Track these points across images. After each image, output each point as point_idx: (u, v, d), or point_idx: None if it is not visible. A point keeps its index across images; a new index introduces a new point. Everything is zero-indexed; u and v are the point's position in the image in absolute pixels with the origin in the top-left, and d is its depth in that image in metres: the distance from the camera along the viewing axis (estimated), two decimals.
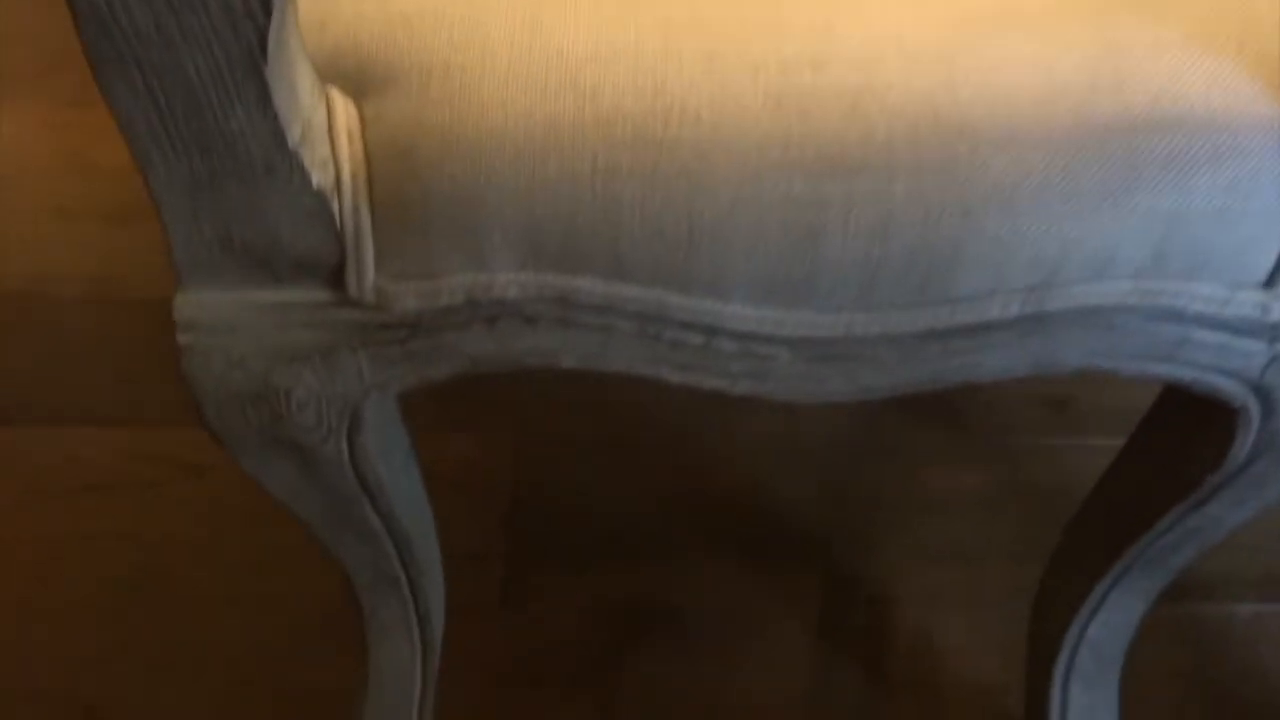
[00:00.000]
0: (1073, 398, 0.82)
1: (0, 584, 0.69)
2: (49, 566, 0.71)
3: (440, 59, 0.31)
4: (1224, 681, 0.68)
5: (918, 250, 0.31)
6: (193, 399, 0.37)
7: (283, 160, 0.30)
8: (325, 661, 0.65)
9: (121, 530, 0.72)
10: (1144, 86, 0.32)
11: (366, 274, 0.33)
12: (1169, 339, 0.35)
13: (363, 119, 0.32)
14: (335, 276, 0.34)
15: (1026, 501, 0.76)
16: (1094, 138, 0.31)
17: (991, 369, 0.35)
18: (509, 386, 0.84)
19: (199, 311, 0.34)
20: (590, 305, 0.33)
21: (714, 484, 0.77)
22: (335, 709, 0.63)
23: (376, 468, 0.40)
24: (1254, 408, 0.37)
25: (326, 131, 0.32)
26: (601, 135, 0.31)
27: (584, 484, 0.76)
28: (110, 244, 0.87)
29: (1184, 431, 0.41)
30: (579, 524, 0.74)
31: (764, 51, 0.31)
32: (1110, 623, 0.51)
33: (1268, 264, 0.34)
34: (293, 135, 0.31)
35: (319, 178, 0.31)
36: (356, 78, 0.32)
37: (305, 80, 0.31)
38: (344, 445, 0.38)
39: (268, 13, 0.28)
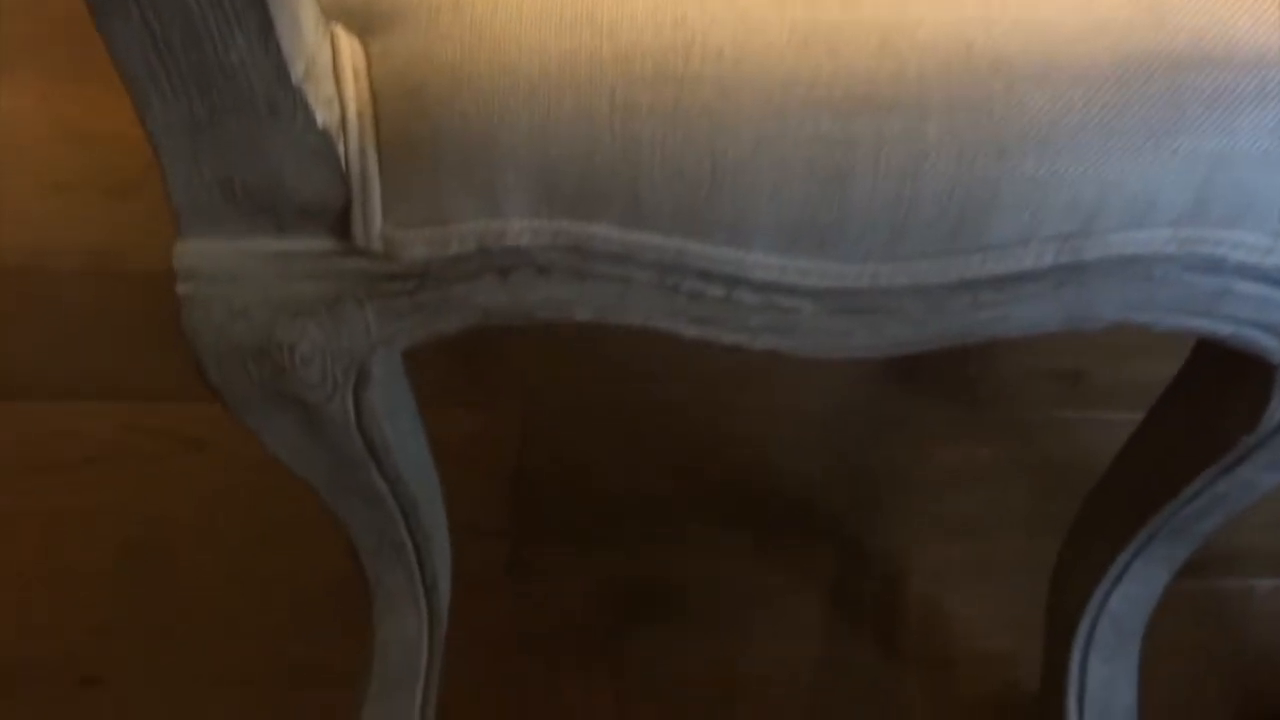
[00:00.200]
0: (1085, 371, 0.81)
1: (0, 556, 0.69)
2: (49, 539, 0.70)
3: None
4: (1243, 656, 0.67)
5: (950, 193, 0.30)
6: (192, 353, 0.35)
7: (286, 97, 0.29)
8: (326, 636, 0.65)
9: (121, 504, 0.72)
10: (1187, 22, 0.30)
11: (373, 220, 0.32)
12: (1208, 291, 0.34)
13: (368, 57, 0.31)
14: (341, 224, 0.32)
15: (1039, 475, 0.75)
16: (1135, 74, 0.30)
17: (1022, 323, 0.34)
18: (516, 360, 0.84)
19: (199, 260, 0.33)
20: (607, 254, 0.32)
21: (723, 458, 0.76)
22: (335, 683, 0.63)
23: (383, 428, 0.39)
24: None
25: (331, 70, 0.30)
26: (620, 71, 0.29)
27: (591, 458, 0.75)
28: (109, 217, 0.86)
29: (1217, 390, 0.39)
30: (586, 498, 0.73)
31: None
32: (1132, 594, 0.50)
33: None
34: (296, 71, 0.29)
35: (324, 116, 0.30)
36: (362, 14, 0.31)
37: (309, 13, 0.30)
38: (349, 404, 0.37)
39: None
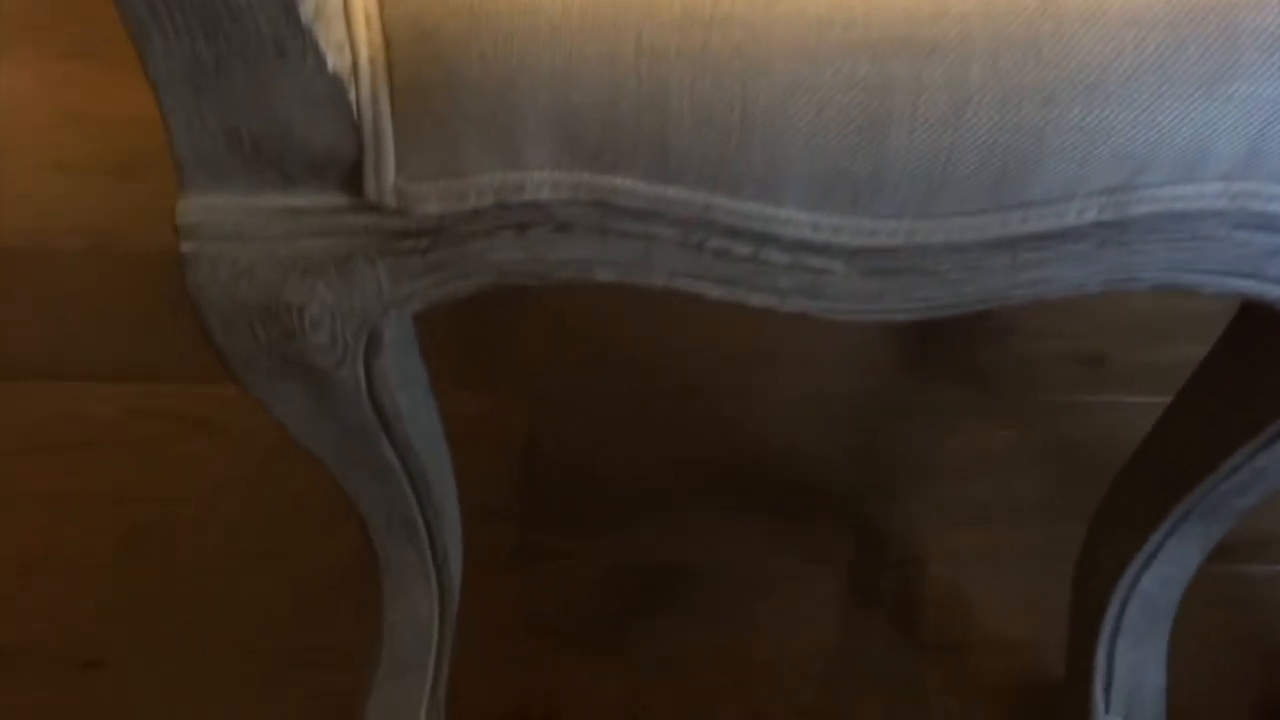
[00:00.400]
0: (1106, 354, 0.80)
1: (1, 539, 0.68)
2: (50, 522, 0.69)
3: None
4: (1267, 640, 0.66)
5: (993, 142, 0.28)
6: (197, 317, 0.34)
7: (294, 39, 0.28)
8: (330, 620, 0.64)
9: (123, 486, 0.71)
10: None
11: (386, 173, 0.31)
12: (1258, 250, 0.32)
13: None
14: (352, 177, 0.31)
15: (1058, 460, 0.74)
16: (1189, 15, 0.28)
17: (1062, 284, 0.32)
18: (524, 342, 0.83)
19: (204, 217, 0.31)
20: (630, 209, 0.31)
21: (736, 442, 0.75)
22: (340, 667, 0.62)
23: (394, 397, 0.38)
24: None
25: (342, 12, 0.29)
26: (646, 12, 0.28)
27: (601, 441, 0.74)
28: (111, 197, 0.85)
29: (1261, 359, 0.38)
30: (595, 482, 0.72)
31: None
32: (1163, 576, 0.49)
33: None
34: (305, 10, 0.28)
35: (334, 61, 0.28)
36: None
37: None
38: (360, 369, 0.35)
39: None
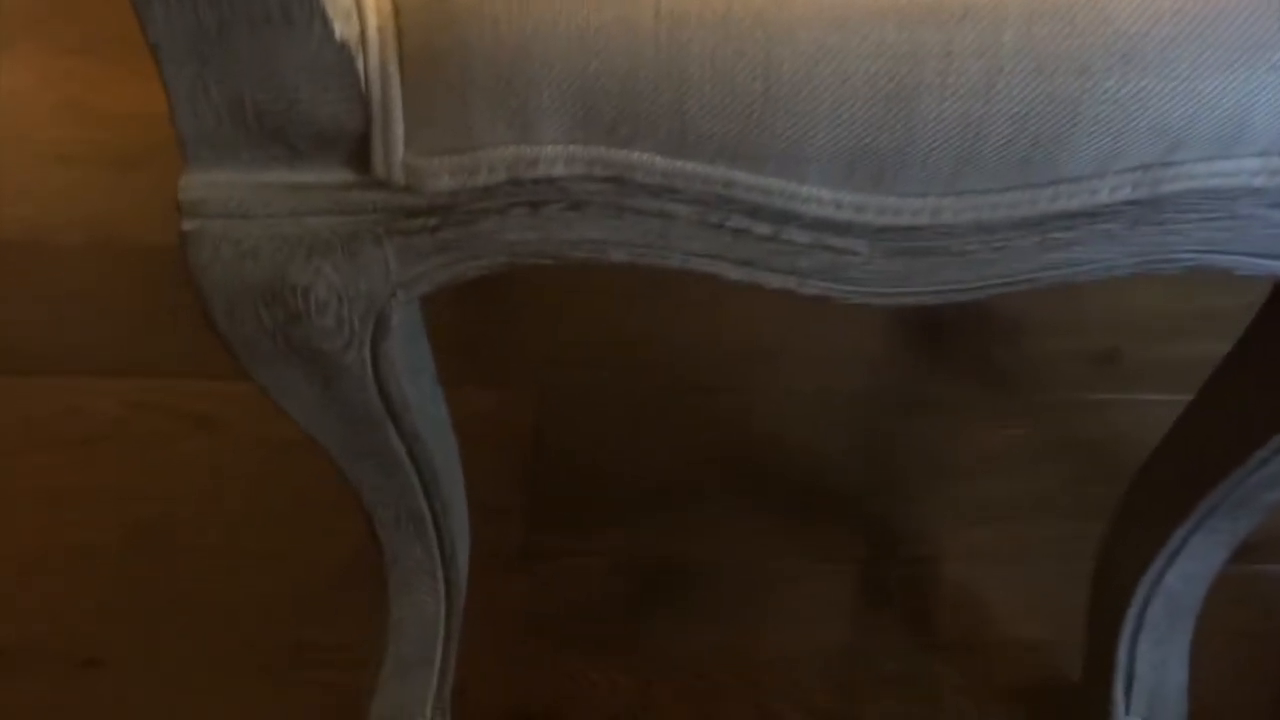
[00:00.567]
0: (1120, 351, 0.79)
1: (1, 536, 0.67)
2: (51, 519, 0.69)
3: None
4: None
5: (1025, 114, 0.27)
6: (199, 299, 0.33)
7: (300, 4, 0.27)
8: (332, 619, 0.63)
9: (124, 483, 0.70)
10: None
11: (395, 147, 0.30)
12: None
13: None
14: (359, 153, 0.30)
15: (1073, 458, 0.73)
16: None
17: (1092, 266, 0.31)
18: (532, 338, 0.82)
19: (207, 193, 0.30)
20: (647, 186, 0.29)
21: (744, 440, 0.74)
22: (342, 665, 0.61)
23: (401, 384, 0.37)
24: None
25: None
26: None
27: (607, 439, 0.73)
28: (112, 192, 0.85)
29: None
30: (602, 480, 0.71)
31: None
32: (1188, 572, 0.48)
33: None
34: None
35: (342, 28, 0.27)
36: None
37: None
38: (367, 354, 0.34)
39: None
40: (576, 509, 0.70)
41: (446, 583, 0.49)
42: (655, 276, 0.83)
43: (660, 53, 0.27)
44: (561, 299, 0.80)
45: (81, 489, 0.69)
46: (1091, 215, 0.30)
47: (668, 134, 0.29)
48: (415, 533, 0.45)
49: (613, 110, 0.28)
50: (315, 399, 0.36)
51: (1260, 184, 0.30)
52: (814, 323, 0.79)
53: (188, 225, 0.31)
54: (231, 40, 0.28)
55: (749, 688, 0.63)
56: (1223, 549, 0.48)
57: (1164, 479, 0.49)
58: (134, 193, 0.85)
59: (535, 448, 0.72)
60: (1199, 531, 0.45)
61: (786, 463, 0.73)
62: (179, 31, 0.27)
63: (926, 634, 0.66)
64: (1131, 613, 0.51)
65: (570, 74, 0.28)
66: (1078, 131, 0.28)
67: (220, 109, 0.29)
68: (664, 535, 0.69)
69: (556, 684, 0.63)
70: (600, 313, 0.79)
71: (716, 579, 0.67)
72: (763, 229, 0.31)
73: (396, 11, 0.28)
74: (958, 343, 0.79)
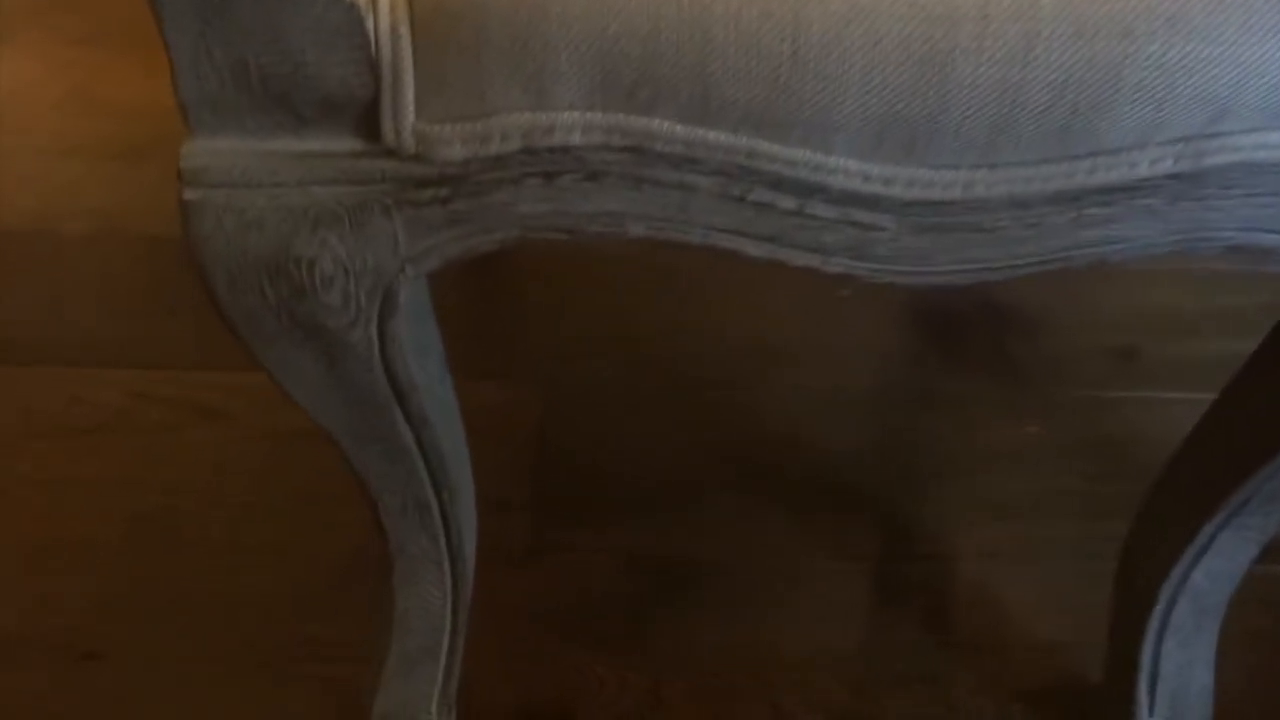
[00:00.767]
0: (1139, 348, 0.78)
1: (2, 526, 0.66)
2: (50, 510, 0.68)
3: None
4: None
5: (1064, 81, 0.26)
6: (200, 273, 0.32)
7: None
8: (336, 613, 0.62)
9: (126, 474, 0.69)
10: None
11: (405, 114, 0.28)
12: None
13: None
14: (368, 119, 0.29)
15: (1091, 455, 0.72)
16: None
17: (1129, 245, 0.30)
18: (539, 333, 0.81)
19: (209, 162, 0.29)
20: (667, 155, 0.28)
21: (755, 435, 0.72)
22: (346, 660, 0.60)
23: (409, 366, 0.35)
24: None
25: None
26: None
27: (617, 432, 0.72)
28: (118, 182, 0.84)
29: None
30: (610, 475, 0.70)
31: None
32: (1216, 569, 0.46)
33: None
34: None
35: None
36: None
37: None
38: (374, 332, 0.33)
39: None
40: (584, 504, 0.69)
41: (453, 574, 0.48)
42: (664, 271, 0.82)
43: (683, 13, 0.26)
44: (569, 293, 0.79)
45: (84, 480, 0.68)
46: (1130, 190, 0.29)
47: (689, 100, 0.27)
48: (421, 521, 0.43)
49: (632, 74, 0.27)
50: (320, 380, 0.35)
51: None
52: (826, 318, 0.78)
53: (189, 194, 0.29)
54: (235, 1, 0.27)
55: (761, 686, 0.62)
56: (1252, 545, 0.47)
57: (1192, 475, 0.48)
58: (139, 184, 0.84)
59: (542, 442, 0.71)
60: (1228, 528, 0.44)
61: (798, 459, 0.72)
62: None
63: (942, 633, 0.64)
64: (1157, 611, 0.49)
65: (589, 35, 0.27)
66: (1119, 99, 0.27)
67: (223, 73, 0.28)
68: (674, 531, 0.68)
69: (564, 682, 0.61)
70: (609, 307, 0.78)
71: (727, 576, 0.66)
72: (787, 203, 0.30)
73: None
74: (973, 339, 0.78)
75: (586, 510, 0.69)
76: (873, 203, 0.30)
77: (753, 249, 0.31)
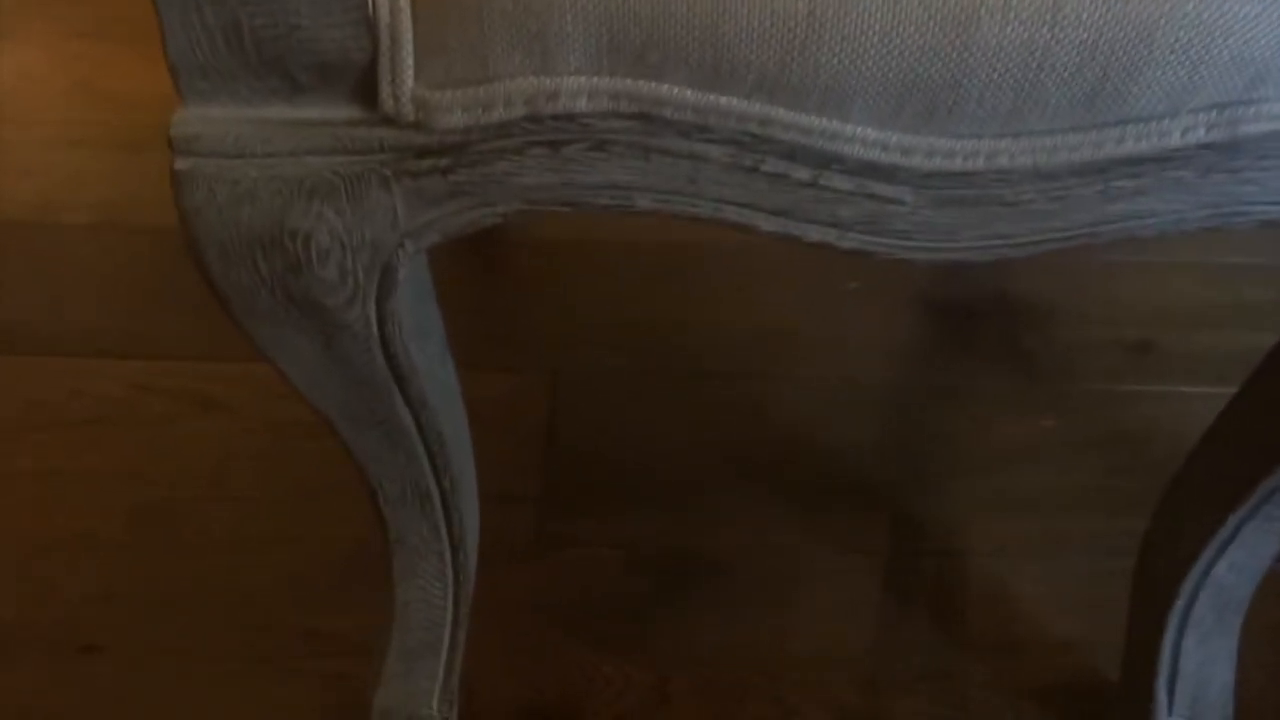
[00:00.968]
0: (1153, 342, 0.77)
1: (0, 518, 0.66)
2: (50, 501, 0.67)
3: None
4: None
5: (1095, 40, 0.25)
6: (191, 246, 0.31)
7: None
8: (338, 606, 0.61)
9: (127, 465, 0.68)
10: None
11: (404, 79, 0.27)
12: None
13: None
14: (365, 86, 0.28)
15: (1106, 450, 0.70)
16: None
17: (1158, 219, 0.29)
18: (546, 323, 0.80)
19: (201, 130, 0.28)
20: (677, 124, 0.27)
21: (765, 428, 0.71)
22: (348, 653, 0.59)
23: (408, 346, 0.34)
24: None
25: None
26: None
27: (624, 425, 0.71)
28: (121, 173, 0.83)
29: None
30: (618, 468, 0.69)
31: None
32: (1239, 562, 0.45)
33: None
34: None
35: None
36: None
37: None
38: (371, 310, 0.32)
39: None
40: (591, 497, 0.68)
41: (454, 567, 0.47)
42: (673, 262, 0.81)
43: None
44: (577, 284, 0.78)
45: (84, 472, 0.68)
46: (1161, 160, 0.28)
47: (700, 63, 0.26)
48: (422, 509, 0.42)
49: (641, 35, 0.26)
50: (316, 360, 0.33)
51: None
52: (836, 309, 0.77)
53: (180, 164, 0.28)
54: None
55: (770, 684, 0.61)
56: (1276, 539, 0.45)
57: (1215, 467, 0.46)
58: (142, 175, 0.83)
59: (549, 434, 0.70)
60: (1254, 519, 0.42)
61: (809, 452, 0.71)
62: None
63: (955, 630, 0.63)
64: (1177, 607, 0.48)
65: None
66: (1151, 61, 0.26)
67: (215, 35, 0.26)
68: (682, 525, 0.67)
69: (568, 678, 0.60)
70: (617, 296, 0.77)
71: (736, 571, 0.65)
72: (801, 174, 0.28)
73: None
74: (987, 331, 0.77)
75: (592, 504, 0.68)
76: (891, 174, 0.28)
77: (765, 223, 0.30)
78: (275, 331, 0.33)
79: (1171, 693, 0.51)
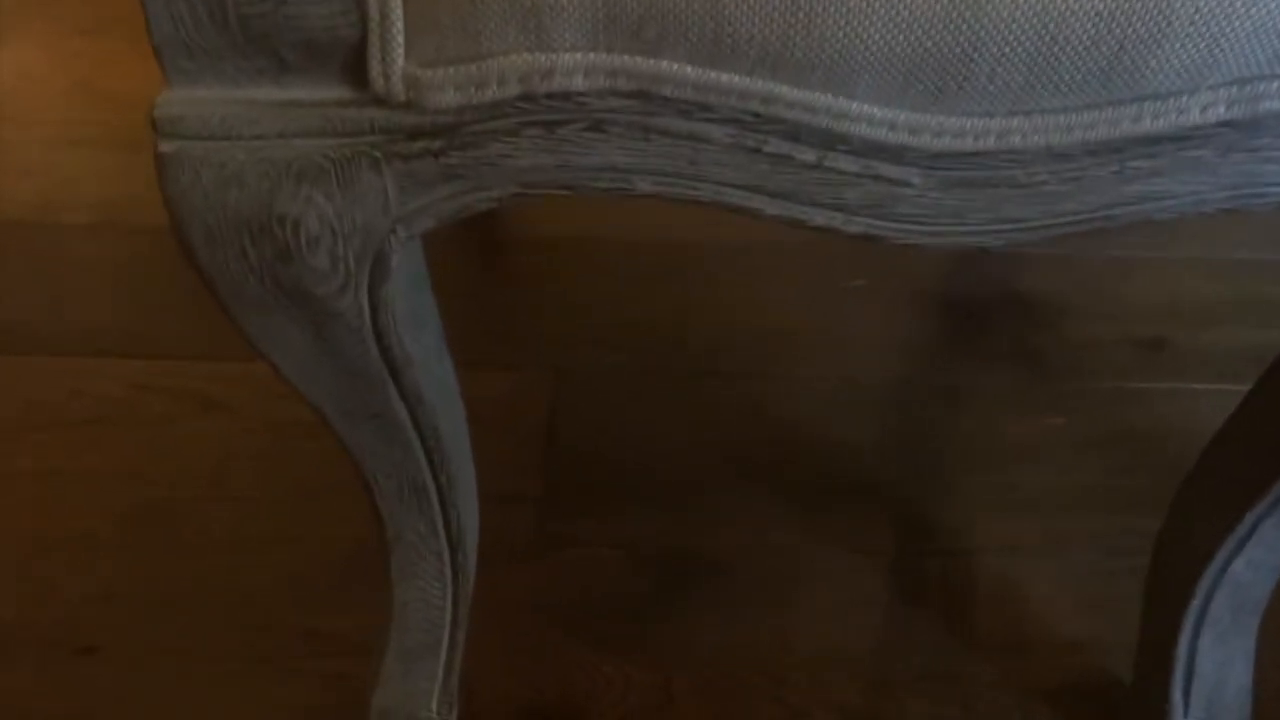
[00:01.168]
0: (1165, 338, 0.76)
1: None
2: (49, 501, 0.66)
3: None
4: None
5: (1112, 11, 0.24)
6: (177, 232, 0.30)
7: None
8: (338, 606, 0.60)
9: (126, 466, 0.67)
10: None
11: (394, 57, 0.26)
12: None
13: None
14: (355, 65, 0.27)
15: (1117, 448, 0.69)
16: None
17: (1176, 201, 0.28)
18: (547, 320, 0.80)
19: (186, 111, 0.27)
20: (676, 102, 0.26)
21: (768, 427, 0.70)
22: (348, 653, 0.58)
23: (403, 338, 0.33)
24: None
25: None
26: None
27: (625, 423, 0.70)
28: (120, 173, 0.83)
29: None
30: (619, 467, 0.68)
31: None
32: (1257, 561, 0.44)
33: None
34: None
35: None
36: None
37: None
38: (364, 299, 0.31)
39: None
40: (592, 497, 0.67)
41: (453, 567, 0.46)
42: (675, 259, 0.80)
43: None
44: (578, 282, 0.77)
45: (83, 472, 0.67)
46: (1179, 139, 0.27)
47: (701, 38, 0.25)
48: (419, 506, 0.41)
49: (639, 9, 0.25)
50: (308, 351, 0.33)
51: None
52: (840, 307, 0.77)
53: (164, 147, 0.28)
54: None
55: (774, 685, 0.60)
56: None
57: (1231, 464, 0.45)
58: (142, 174, 0.82)
59: (549, 433, 0.69)
60: (1273, 515, 0.41)
61: (813, 451, 0.70)
62: None
63: (962, 630, 0.62)
64: (1194, 605, 0.47)
65: None
66: (1170, 33, 0.25)
67: (199, 12, 0.26)
68: (684, 525, 0.66)
69: (569, 679, 0.60)
70: (618, 295, 0.77)
71: (739, 571, 0.64)
72: (805, 155, 0.27)
73: None
74: (995, 327, 0.76)
75: (593, 503, 0.67)
76: (898, 154, 0.27)
77: (768, 207, 0.29)
78: (265, 320, 0.32)
79: (1187, 694, 0.50)
